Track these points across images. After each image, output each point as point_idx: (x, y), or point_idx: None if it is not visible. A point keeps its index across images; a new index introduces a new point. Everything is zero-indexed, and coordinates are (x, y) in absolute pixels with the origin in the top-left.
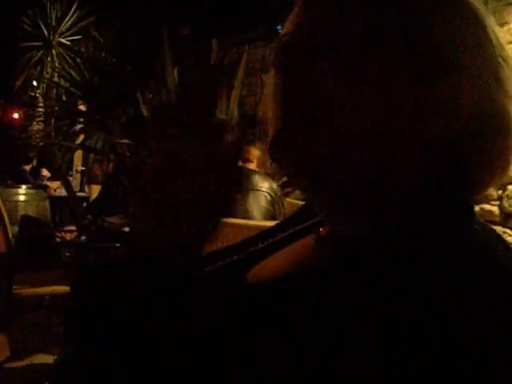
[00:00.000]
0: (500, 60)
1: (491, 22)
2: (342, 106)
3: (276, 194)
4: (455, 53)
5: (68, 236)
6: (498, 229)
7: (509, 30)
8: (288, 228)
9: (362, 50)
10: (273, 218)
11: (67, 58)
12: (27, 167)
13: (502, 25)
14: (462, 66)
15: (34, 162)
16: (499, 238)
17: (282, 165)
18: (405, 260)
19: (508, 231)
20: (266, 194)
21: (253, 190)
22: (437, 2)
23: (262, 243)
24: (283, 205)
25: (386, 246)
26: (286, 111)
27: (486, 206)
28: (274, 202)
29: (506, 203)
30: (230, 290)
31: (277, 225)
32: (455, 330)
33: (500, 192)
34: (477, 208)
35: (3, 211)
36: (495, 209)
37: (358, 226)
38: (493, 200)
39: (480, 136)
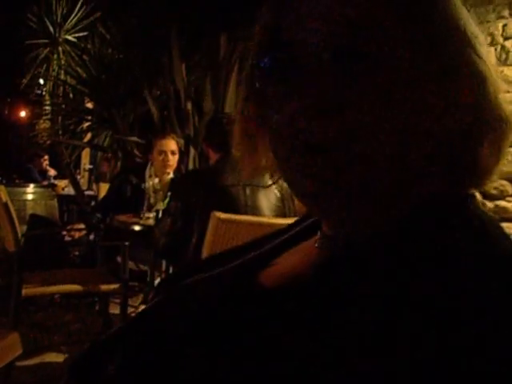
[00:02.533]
0: (477, 52)
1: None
2: (360, 105)
3: (286, 191)
4: (459, 55)
5: (77, 234)
6: None
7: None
8: (298, 227)
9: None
10: (283, 215)
11: (74, 55)
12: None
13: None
14: (469, 65)
15: (44, 163)
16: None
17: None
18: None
19: None
20: (276, 191)
21: (262, 186)
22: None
23: (272, 242)
24: (293, 202)
25: (401, 243)
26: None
27: (501, 203)
28: (284, 199)
29: None
30: (243, 294)
31: (289, 225)
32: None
33: None
34: (491, 205)
35: (11, 210)
36: (510, 205)
37: (367, 225)
38: (508, 196)
39: (486, 125)
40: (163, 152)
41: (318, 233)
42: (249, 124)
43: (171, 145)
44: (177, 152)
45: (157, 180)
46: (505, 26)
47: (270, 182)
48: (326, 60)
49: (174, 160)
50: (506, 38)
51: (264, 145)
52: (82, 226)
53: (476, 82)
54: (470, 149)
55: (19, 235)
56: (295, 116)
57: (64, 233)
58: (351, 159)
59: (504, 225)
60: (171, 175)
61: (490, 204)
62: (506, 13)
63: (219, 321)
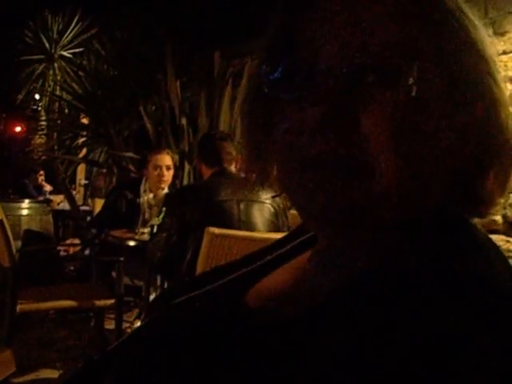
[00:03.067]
0: (494, 78)
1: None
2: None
3: (279, 206)
4: (479, 81)
5: (72, 250)
6: (502, 238)
7: (509, 39)
8: (289, 243)
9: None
10: (277, 230)
11: (69, 71)
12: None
13: (502, 34)
14: (485, 90)
15: (40, 179)
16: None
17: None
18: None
19: (511, 240)
20: (270, 206)
21: (257, 201)
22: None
23: (263, 259)
24: (287, 217)
25: (402, 267)
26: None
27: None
28: (278, 214)
29: (509, 212)
30: (229, 315)
31: (279, 240)
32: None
33: (503, 201)
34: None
35: (6, 226)
36: (498, 218)
37: (366, 247)
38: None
39: (494, 154)
40: (158, 167)
41: (311, 250)
42: (255, 134)
43: (166, 160)
44: (172, 167)
45: (151, 195)
46: None
47: (264, 197)
48: (343, 73)
49: (168, 175)
50: None
51: (269, 157)
52: (76, 241)
53: (490, 106)
54: (475, 176)
55: (14, 251)
56: (306, 126)
57: (59, 248)
58: (362, 177)
59: (493, 237)
60: (166, 190)
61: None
62: (490, 31)
63: (207, 341)
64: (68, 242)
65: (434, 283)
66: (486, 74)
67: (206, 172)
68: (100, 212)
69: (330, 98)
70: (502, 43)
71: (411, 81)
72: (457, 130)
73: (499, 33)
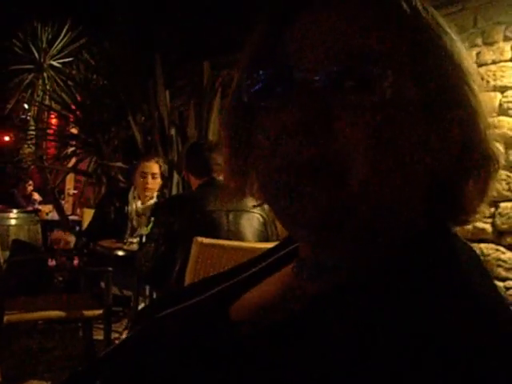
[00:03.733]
0: (471, 88)
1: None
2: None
3: (268, 215)
4: (455, 90)
5: (60, 260)
6: (491, 246)
7: (498, 48)
8: (275, 254)
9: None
10: (266, 239)
11: (58, 80)
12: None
13: (491, 44)
14: (462, 100)
15: (29, 188)
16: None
17: None
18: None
19: (501, 248)
20: (259, 215)
21: (245, 210)
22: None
23: (250, 271)
24: (276, 226)
25: (383, 277)
26: None
27: (479, 224)
28: (267, 223)
29: (498, 221)
30: (213, 328)
31: (268, 250)
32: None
33: (492, 210)
34: (469, 226)
35: None
36: (488, 226)
37: (349, 254)
38: (485, 217)
39: (473, 162)
40: (144, 174)
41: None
42: (235, 143)
43: (153, 168)
44: (158, 176)
45: (139, 203)
46: (478, 53)
47: (252, 207)
48: (321, 79)
49: (154, 183)
50: (479, 65)
51: (250, 165)
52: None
53: (467, 116)
54: (455, 185)
55: (1, 261)
56: (283, 132)
57: (47, 258)
58: (338, 181)
59: (482, 245)
60: (154, 199)
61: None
62: (479, 41)
63: (191, 354)
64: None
65: (412, 292)
66: (463, 84)
67: (195, 182)
68: (91, 222)
69: (305, 104)
70: (491, 53)
71: (385, 87)
72: (434, 138)
73: (488, 43)
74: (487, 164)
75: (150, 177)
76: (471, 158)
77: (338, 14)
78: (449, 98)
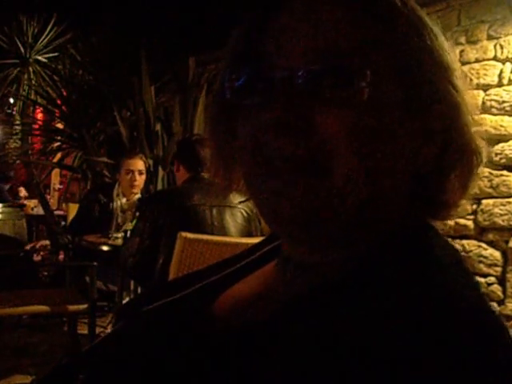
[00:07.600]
0: (453, 83)
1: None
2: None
3: (252, 211)
4: (436, 85)
5: (45, 255)
6: (473, 243)
7: (481, 47)
8: (260, 250)
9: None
10: (249, 235)
11: (44, 75)
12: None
13: (474, 42)
14: (443, 96)
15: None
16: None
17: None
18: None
19: (483, 245)
20: (243, 210)
21: (229, 206)
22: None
23: (235, 266)
24: (260, 222)
25: (365, 272)
26: None
27: (461, 221)
28: (251, 219)
29: (480, 217)
30: (195, 323)
31: (253, 246)
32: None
33: (474, 206)
34: (451, 222)
35: None
36: (470, 223)
37: (331, 252)
38: (467, 214)
39: (455, 156)
40: (130, 171)
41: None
42: (219, 140)
43: (139, 165)
44: (144, 172)
45: (124, 200)
46: (462, 52)
47: (236, 202)
48: (300, 78)
49: (140, 180)
50: (463, 64)
51: (234, 162)
52: (47, 242)
53: (448, 111)
54: (436, 179)
55: None
56: (265, 129)
57: (32, 253)
58: (321, 177)
59: (464, 242)
60: (139, 195)
61: (450, 222)
62: (462, 39)
63: (174, 349)
64: (38, 244)
65: (395, 289)
66: (444, 80)
67: (183, 175)
68: (75, 217)
69: (285, 102)
70: (475, 51)
71: (364, 83)
72: (415, 133)
73: (471, 41)
74: (469, 158)
75: (136, 173)
76: (453, 151)
77: (315, 12)
78: (429, 93)
